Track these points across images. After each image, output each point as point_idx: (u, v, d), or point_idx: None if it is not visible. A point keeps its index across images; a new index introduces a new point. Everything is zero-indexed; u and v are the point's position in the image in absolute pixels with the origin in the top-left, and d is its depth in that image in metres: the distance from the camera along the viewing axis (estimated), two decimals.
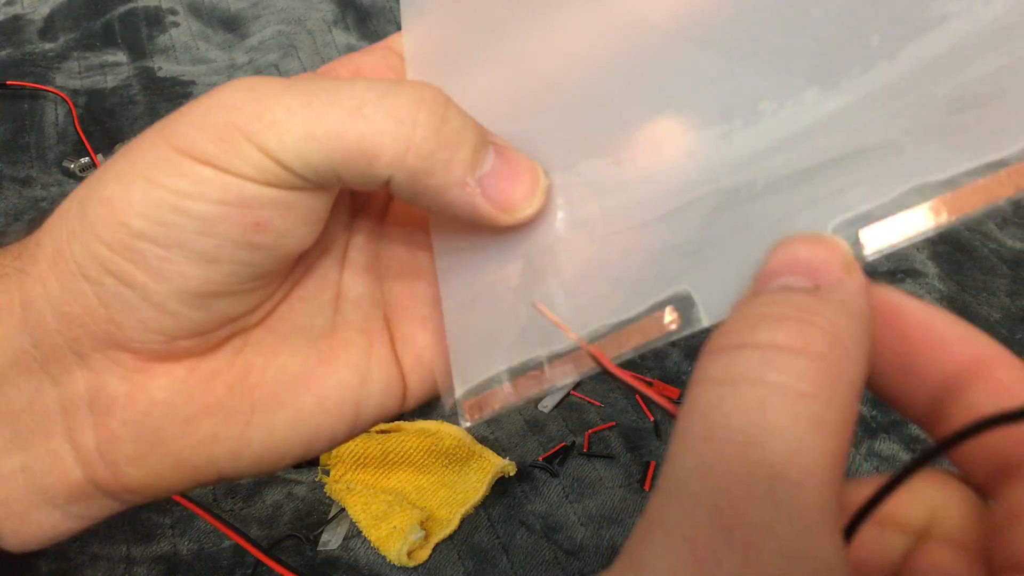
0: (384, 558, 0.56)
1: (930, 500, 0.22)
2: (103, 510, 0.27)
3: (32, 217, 0.78)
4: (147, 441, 0.26)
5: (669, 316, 0.24)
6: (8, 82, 0.88)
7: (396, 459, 0.60)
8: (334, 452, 0.59)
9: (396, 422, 0.61)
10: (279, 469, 0.28)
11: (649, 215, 0.25)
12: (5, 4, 0.98)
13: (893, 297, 0.21)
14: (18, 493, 0.26)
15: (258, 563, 0.55)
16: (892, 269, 0.69)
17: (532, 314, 0.27)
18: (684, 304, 0.24)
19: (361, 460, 0.59)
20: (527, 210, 0.26)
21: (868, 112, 0.23)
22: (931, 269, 0.69)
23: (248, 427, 0.27)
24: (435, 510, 0.58)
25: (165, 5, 0.98)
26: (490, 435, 0.61)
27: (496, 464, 0.58)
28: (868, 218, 0.22)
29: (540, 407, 0.62)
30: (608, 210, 0.26)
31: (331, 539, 0.57)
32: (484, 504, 0.58)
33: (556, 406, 0.62)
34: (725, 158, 0.25)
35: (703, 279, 0.24)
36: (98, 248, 0.24)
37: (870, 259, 0.22)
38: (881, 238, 0.22)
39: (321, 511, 0.58)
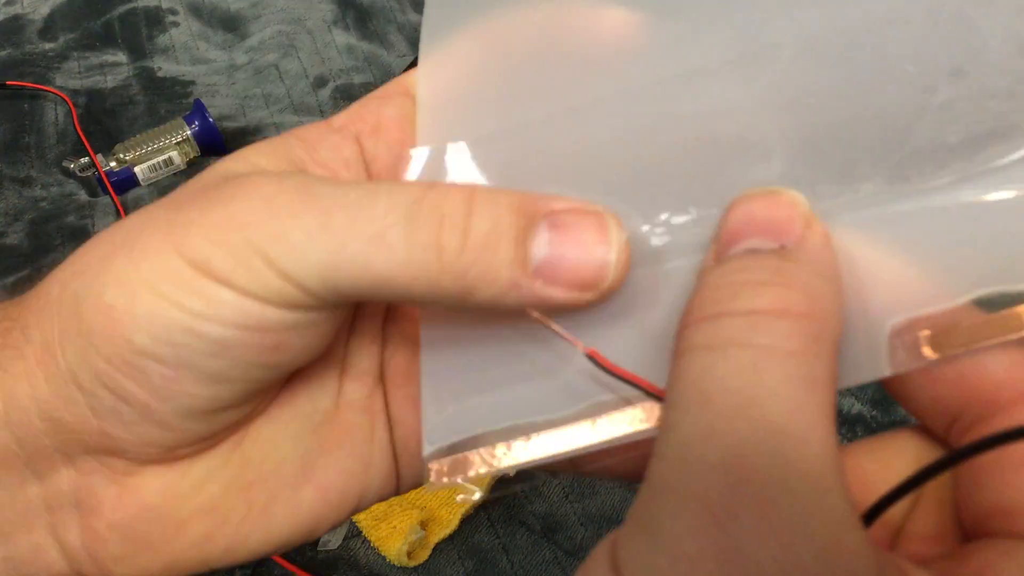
0: (384, 558, 0.56)
1: (916, 460, 0.23)
2: None
3: (31, 217, 0.78)
4: (136, 543, 0.25)
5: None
6: (8, 82, 0.88)
7: None
8: None
9: None
10: (274, 555, 0.27)
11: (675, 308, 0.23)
12: (5, 4, 0.98)
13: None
14: None
15: (257, 565, 0.55)
16: None
17: (514, 379, 0.25)
18: None
19: None
20: (607, 281, 0.23)
21: (934, 209, 0.22)
22: None
23: (244, 525, 0.25)
24: (435, 510, 0.58)
25: (165, 5, 0.98)
26: None
27: None
28: (930, 323, 0.21)
29: None
30: (638, 287, 0.24)
31: (331, 539, 0.57)
32: (484, 504, 0.58)
33: None
34: None
35: None
36: (95, 359, 0.22)
37: (931, 364, 0.21)
38: (946, 343, 0.21)
39: None
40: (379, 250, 0.21)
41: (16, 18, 0.97)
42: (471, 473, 0.24)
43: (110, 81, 0.89)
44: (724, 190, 0.23)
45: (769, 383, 0.18)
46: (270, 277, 0.22)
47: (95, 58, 0.92)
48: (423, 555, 0.56)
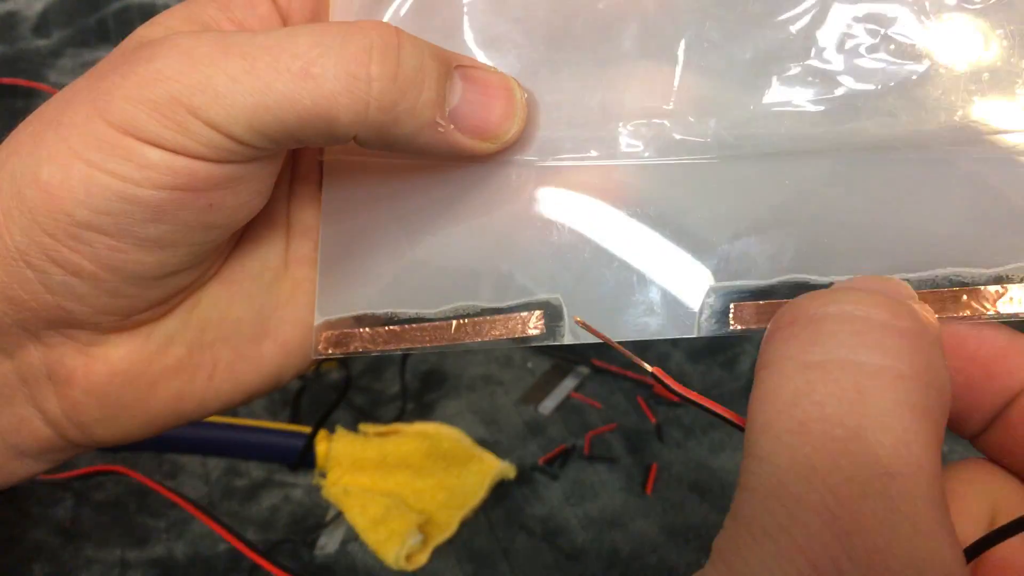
0: (382, 562, 0.55)
1: (988, 493, 0.22)
2: (76, 454, 0.27)
3: None
4: (113, 407, 0.26)
5: (535, 321, 0.25)
6: (2, 80, 0.87)
7: (394, 462, 0.59)
8: (331, 455, 0.58)
9: (394, 424, 0.61)
10: (244, 404, 0.29)
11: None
12: None
13: (952, 326, 0.21)
14: None
15: (254, 567, 0.55)
16: None
17: (407, 269, 0.27)
18: (552, 314, 0.25)
19: (359, 463, 0.59)
20: (508, 133, 0.25)
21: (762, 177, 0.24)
22: None
23: (212, 381, 0.27)
24: (434, 513, 0.57)
25: (159, 1, 0.97)
26: (489, 438, 0.61)
27: (496, 467, 0.58)
28: (743, 294, 0.23)
29: (540, 409, 0.61)
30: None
31: (328, 543, 0.56)
32: (483, 508, 0.57)
33: (556, 408, 0.62)
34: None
35: (577, 294, 0.25)
36: (41, 237, 0.23)
37: (731, 333, 0.23)
38: (748, 317, 0.23)
39: (318, 514, 0.58)
40: (305, 84, 0.22)
41: (10, 15, 0.96)
42: (351, 349, 0.27)
43: None
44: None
45: (875, 412, 0.16)
46: (197, 128, 0.22)
47: (89, 55, 0.91)
48: (422, 559, 0.55)
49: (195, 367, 0.27)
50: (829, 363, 0.17)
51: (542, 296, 0.25)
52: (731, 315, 0.23)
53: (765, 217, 0.23)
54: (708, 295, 0.24)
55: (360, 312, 0.27)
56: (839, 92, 0.23)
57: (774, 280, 0.23)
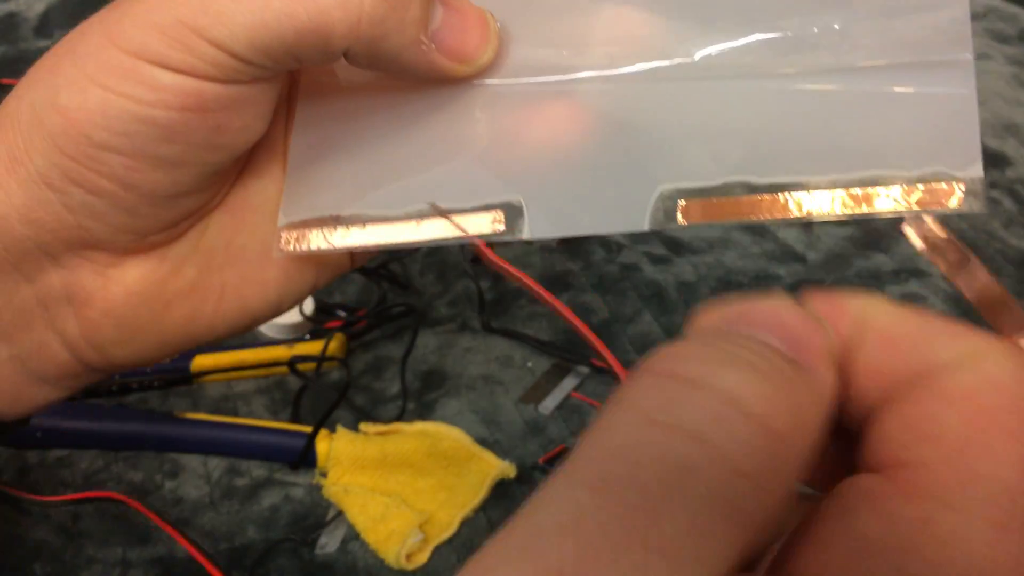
0: (382, 561, 0.55)
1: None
2: (92, 380, 0.29)
3: None
4: (129, 327, 0.28)
5: (496, 219, 0.27)
6: (3, 80, 0.87)
7: (394, 461, 0.59)
8: (332, 454, 0.58)
9: (395, 423, 0.61)
10: (250, 328, 0.31)
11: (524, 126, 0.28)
12: (0, 1, 0.97)
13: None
14: (9, 377, 0.27)
15: (254, 567, 0.55)
16: (896, 269, 0.69)
17: (372, 176, 0.28)
18: (512, 213, 0.27)
19: (359, 462, 0.59)
20: (483, 58, 0.27)
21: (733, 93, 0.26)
22: (936, 268, 0.68)
23: (221, 303, 0.29)
24: (434, 513, 0.57)
25: None
26: (489, 437, 0.61)
27: (496, 467, 0.58)
28: (691, 192, 0.25)
29: (540, 409, 0.62)
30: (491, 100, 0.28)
31: (329, 542, 0.56)
32: (484, 507, 0.57)
33: (557, 408, 0.62)
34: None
35: (537, 196, 0.27)
36: (61, 159, 0.24)
37: (679, 227, 0.25)
38: (694, 214, 0.25)
39: (319, 513, 0.58)
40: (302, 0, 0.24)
41: (11, 15, 0.96)
42: (313, 247, 0.28)
43: None
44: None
45: None
46: (203, 48, 0.24)
47: None
48: (422, 558, 0.56)
49: (205, 289, 0.28)
50: (680, 428, 0.17)
51: (504, 198, 0.27)
52: (679, 211, 0.25)
53: (713, 127, 0.26)
54: (658, 194, 0.26)
55: (324, 214, 0.28)
56: (783, 31, 0.26)
57: (719, 181, 0.25)
